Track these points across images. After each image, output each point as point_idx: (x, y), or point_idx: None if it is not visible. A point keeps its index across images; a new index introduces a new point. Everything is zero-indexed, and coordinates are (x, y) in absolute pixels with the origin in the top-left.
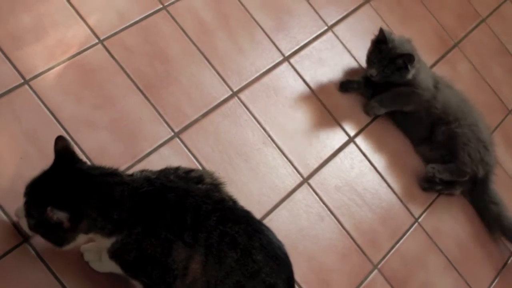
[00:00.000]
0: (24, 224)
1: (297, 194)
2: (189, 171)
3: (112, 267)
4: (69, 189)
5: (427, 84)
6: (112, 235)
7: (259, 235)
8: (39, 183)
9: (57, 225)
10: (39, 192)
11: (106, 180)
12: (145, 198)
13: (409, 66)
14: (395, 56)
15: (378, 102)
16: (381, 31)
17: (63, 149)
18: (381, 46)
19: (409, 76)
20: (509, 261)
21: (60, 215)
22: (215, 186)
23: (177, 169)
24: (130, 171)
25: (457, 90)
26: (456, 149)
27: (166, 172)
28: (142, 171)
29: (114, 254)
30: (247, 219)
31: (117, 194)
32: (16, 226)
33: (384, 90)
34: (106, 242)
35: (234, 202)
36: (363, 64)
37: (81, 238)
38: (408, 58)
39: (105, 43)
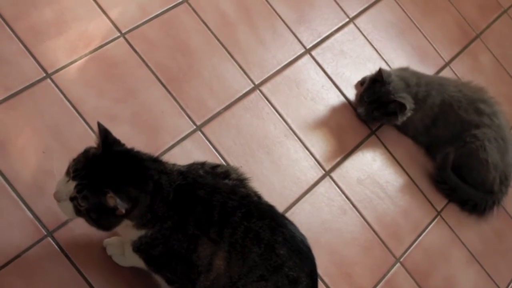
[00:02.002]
0: (66, 207)
1: (319, 187)
2: (215, 166)
3: (135, 261)
4: (127, 174)
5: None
6: (144, 227)
7: (282, 229)
8: (92, 166)
9: (111, 210)
10: (96, 175)
11: (155, 167)
12: (179, 192)
13: (398, 114)
14: (387, 101)
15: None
16: (380, 71)
17: (106, 133)
18: (376, 86)
19: (398, 123)
20: None
21: (119, 204)
22: (241, 182)
23: (203, 164)
24: None
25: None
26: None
27: (194, 167)
28: (173, 164)
29: (140, 248)
30: (271, 213)
31: (165, 184)
32: (40, 220)
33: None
34: (134, 234)
35: (259, 197)
36: (384, 56)
37: (123, 222)
38: (400, 107)
39: (126, 36)
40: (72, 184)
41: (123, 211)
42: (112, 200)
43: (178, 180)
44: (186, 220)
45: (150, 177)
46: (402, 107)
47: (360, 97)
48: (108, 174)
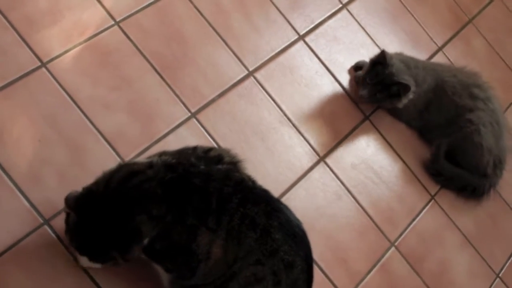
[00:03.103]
0: (95, 265)
1: (314, 173)
2: (207, 151)
3: None
4: (113, 221)
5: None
6: (153, 230)
7: (277, 214)
8: (82, 239)
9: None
10: (92, 246)
11: (132, 183)
12: (171, 187)
13: (402, 96)
14: (391, 83)
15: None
16: (382, 53)
17: (75, 203)
18: (378, 68)
19: (400, 105)
20: None
21: (127, 256)
22: (235, 165)
23: (195, 148)
24: (147, 153)
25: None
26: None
27: (185, 154)
28: (160, 154)
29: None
30: (266, 198)
31: (149, 192)
32: (36, 208)
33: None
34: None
35: (253, 182)
36: (377, 41)
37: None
38: (404, 88)
39: (121, 24)
40: (85, 258)
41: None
42: (120, 258)
43: (167, 174)
44: (185, 211)
45: (133, 203)
46: (406, 88)
47: (362, 79)
48: (100, 238)
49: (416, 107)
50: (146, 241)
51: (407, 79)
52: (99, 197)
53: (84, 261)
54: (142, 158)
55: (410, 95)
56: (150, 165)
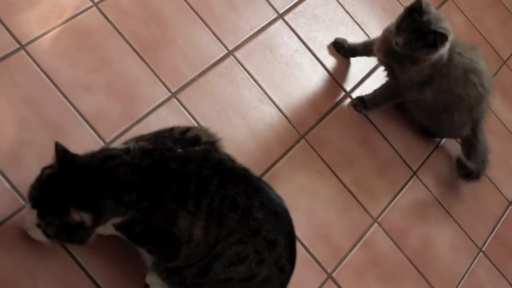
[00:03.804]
0: (37, 234)
1: (296, 151)
2: (184, 132)
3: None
4: (81, 187)
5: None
6: (124, 215)
7: (258, 193)
8: (47, 189)
9: (78, 225)
10: (53, 197)
11: (108, 166)
12: (148, 172)
13: (438, 46)
14: (427, 31)
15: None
16: (419, 0)
17: (64, 152)
18: (414, 16)
19: (436, 55)
20: (507, 212)
21: (84, 216)
22: (212, 144)
23: (171, 130)
24: (128, 133)
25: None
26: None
27: (161, 138)
28: (137, 140)
29: (121, 226)
30: (246, 178)
31: (122, 176)
32: (17, 190)
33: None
34: (117, 221)
35: (233, 161)
36: (356, 18)
37: (100, 228)
38: (441, 37)
39: (99, 5)
40: (34, 212)
41: (90, 222)
42: (77, 215)
43: (144, 160)
44: (161, 197)
45: (104, 182)
46: (443, 37)
47: (397, 26)
48: (66, 192)
49: (422, 75)
50: (114, 221)
51: (444, 27)
52: (80, 165)
53: (29, 222)
54: (119, 144)
55: (447, 45)
56: (127, 150)
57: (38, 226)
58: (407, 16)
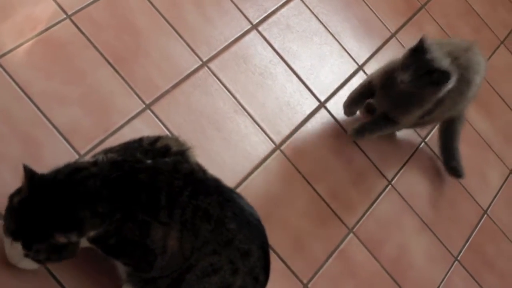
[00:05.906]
0: (28, 264)
1: (270, 161)
2: (153, 142)
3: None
4: (56, 207)
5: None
6: (100, 227)
7: (230, 203)
8: (24, 217)
9: (65, 244)
10: (32, 224)
11: (76, 178)
12: (118, 185)
13: (441, 85)
14: (431, 69)
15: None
16: (422, 40)
17: (32, 175)
18: (418, 55)
19: (440, 94)
20: (482, 220)
21: (69, 236)
22: (182, 154)
23: (140, 140)
24: (103, 145)
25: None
26: None
27: (130, 149)
28: (105, 152)
29: (94, 239)
30: (218, 189)
31: (92, 188)
32: None
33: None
34: (92, 234)
35: (204, 171)
36: (330, 29)
37: (83, 240)
38: (445, 77)
39: (73, 18)
40: (17, 245)
41: (76, 238)
42: (62, 238)
43: (112, 173)
44: (132, 208)
45: (76, 195)
46: (445, 75)
47: (403, 63)
48: (44, 216)
49: (424, 111)
50: (92, 233)
51: (447, 65)
52: (49, 183)
53: (16, 255)
54: (88, 157)
55: (450, 84)
56: (94, 163)
57: (27, 255)
58: (410, 55)
